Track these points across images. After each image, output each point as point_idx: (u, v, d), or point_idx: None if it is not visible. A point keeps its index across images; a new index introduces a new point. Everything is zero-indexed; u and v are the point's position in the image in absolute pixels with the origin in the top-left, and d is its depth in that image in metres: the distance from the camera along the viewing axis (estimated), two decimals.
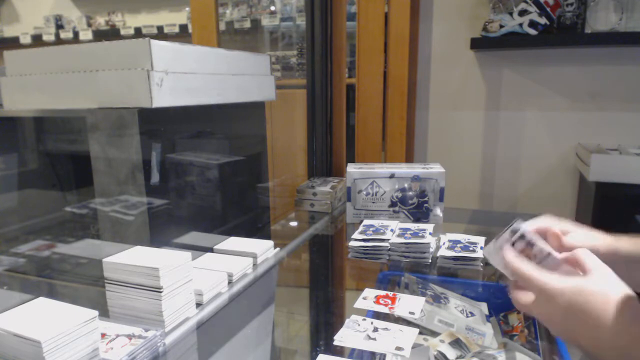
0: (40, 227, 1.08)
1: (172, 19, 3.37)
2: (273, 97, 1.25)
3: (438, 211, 1.36)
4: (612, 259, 0.64)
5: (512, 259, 0.60)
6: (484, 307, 0.95)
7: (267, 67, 1.22)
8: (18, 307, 0.63)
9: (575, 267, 0.57)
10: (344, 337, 0.73)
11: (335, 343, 0.72)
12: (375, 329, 0.75)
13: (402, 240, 1.12)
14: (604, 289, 0.51)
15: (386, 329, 0.75)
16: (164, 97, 0.85)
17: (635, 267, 0.64)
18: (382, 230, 1.19)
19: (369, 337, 0.73)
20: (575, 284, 0.53)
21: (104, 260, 0.74)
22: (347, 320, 0.78)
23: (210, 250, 1.03)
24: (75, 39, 3.45)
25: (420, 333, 0.78)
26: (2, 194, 1.08)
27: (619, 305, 0.49)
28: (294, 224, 1.48)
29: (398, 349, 0.70)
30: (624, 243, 0.65)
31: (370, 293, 0.88)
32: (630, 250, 0.64)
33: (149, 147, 0.86)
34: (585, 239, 0.64)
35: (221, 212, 1.11)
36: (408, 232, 1.17)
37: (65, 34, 3.47)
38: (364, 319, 0.78)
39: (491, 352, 0.73)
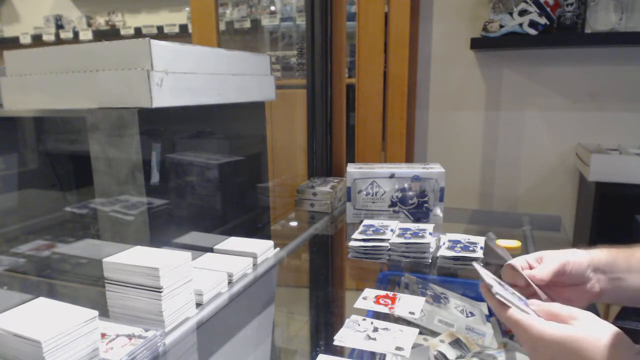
0: (40, 227, 1.08)
1: (172, 19, 3.36)
2: (273, 97, 1.25)
3: (438, 211, 1.36)
4: (594, 271, 0.64)
5: (499, 311, 0.58)
6: (484, 307, 0.95)
7: (267, 67, 1.22)
8: (18, 307, 0.63)
9: (554, 319, 0.55)
10: (344, 337, 0.73)
11: (335, 343, 0.72)
12: (375, 329, 0.75)
13: (402, 240, 1.12)
14: (596, 333, 0.50)
15: (386, 329, 0.75)
16: (164, 97, 0.85)
17: (616, 277, 0.64)
18: (382, 230, 1.19)
19: (369, 337, 0.73)
20: (567, 333, 0.51)
21: (104, 260, 0.74)
22: (347, 320, 0.78)
23: (210, 250, 1.03)
24: (75, 39, 3.45)
25: (420, 333, 0.78)
26: (2, 194, 1.08)
27: (612, 345, 0.49)
28: (294, 224, 1.48)
29: (398, 349, 0.70)
30: (600, 254, 0.65)
31: (370, 293, 0.88)
32: (608, 261, 0.64)
33: (149, 147, 0.86)
34: (563, 256, 0.64)
35: (221, 212, 1.11)
36: (408, 232, 1.17)
37: (65, 34, 3.47)
38: (364, 319, 0.78)
39: (491, 352, 0.73)
